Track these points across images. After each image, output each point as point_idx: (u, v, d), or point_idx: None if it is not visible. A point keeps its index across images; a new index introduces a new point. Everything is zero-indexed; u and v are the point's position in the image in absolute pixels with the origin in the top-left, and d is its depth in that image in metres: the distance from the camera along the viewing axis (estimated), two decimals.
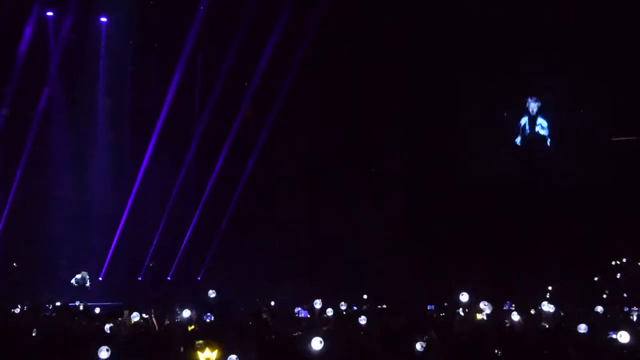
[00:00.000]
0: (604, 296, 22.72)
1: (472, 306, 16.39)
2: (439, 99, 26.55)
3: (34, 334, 12.56)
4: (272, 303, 19.24)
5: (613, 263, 26.25)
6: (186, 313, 15.03)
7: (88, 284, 23.56)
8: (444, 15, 25.82)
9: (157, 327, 14.42)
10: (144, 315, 15.01)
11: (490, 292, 19.60)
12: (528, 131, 27.74)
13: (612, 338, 12.43)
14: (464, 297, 16.30)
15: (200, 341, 10.81)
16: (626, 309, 18.25)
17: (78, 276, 23.51)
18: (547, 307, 17.21)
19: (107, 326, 12.73)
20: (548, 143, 27.67)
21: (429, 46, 26.19)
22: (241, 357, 10.36)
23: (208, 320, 14.95)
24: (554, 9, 25.26)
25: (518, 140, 27.86)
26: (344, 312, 16.71)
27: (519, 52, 26.21)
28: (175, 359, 11.40)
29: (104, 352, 10.66)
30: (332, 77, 26.09)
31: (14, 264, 25.57)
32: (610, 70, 25.29)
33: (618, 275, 25.07)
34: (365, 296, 21.57)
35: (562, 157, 27.34)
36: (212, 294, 18.81)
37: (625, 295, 23.21)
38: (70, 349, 11.01)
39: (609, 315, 16.44)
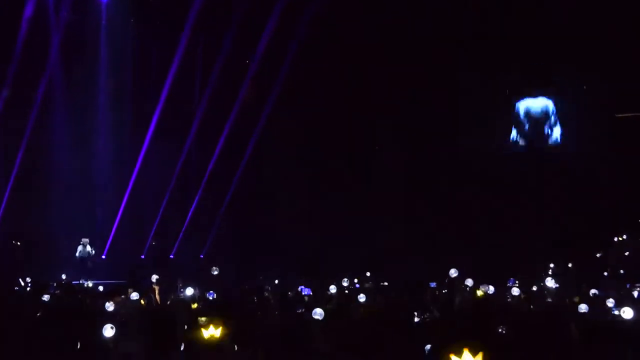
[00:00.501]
0: (605, 273, 22.71)
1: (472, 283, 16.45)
2: (440, 79, 26.53)
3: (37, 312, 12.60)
4: (276, 282, 19.30)
5: (615, 239, 26.26)
6: (189, 291, 15.06)
7: (90, 250, 23.61)
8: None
9: (158, 301, 14.46)
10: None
11: (493, 269, 19.74)
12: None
13: (615, 314, 12.46)
14: (454, 272, 16.37)
15: (204, 318, 10.80)
16: (628, 286, 18.26)
17: (80, 247, 23.57)
18: (550, 282, 17.28)
19: (109, 304, 12.73)
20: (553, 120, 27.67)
21: (432, 35, 26.07)
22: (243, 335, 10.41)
23: (210, 298, 14.98)
24: None
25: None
26: (346, 290, 16.75)
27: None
28: (179, 336, 11.41)
29: (108, 330, 10.69)
30: (332, 61, 26.07)
31: (17, 243, 25.63)
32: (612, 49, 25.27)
33: (626, 253, 25.06)
34: (368, 274, 21.60)
35: (563, 133, 27.34)
36: (214, 271, 18.85)
37: (622, 272, 23.24)
38: (74, 327, 11.02)
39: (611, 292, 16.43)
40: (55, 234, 24.88)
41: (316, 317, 11.02)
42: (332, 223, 26.27)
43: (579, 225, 25.09)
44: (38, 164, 25.38)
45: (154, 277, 15.59)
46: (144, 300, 14.53)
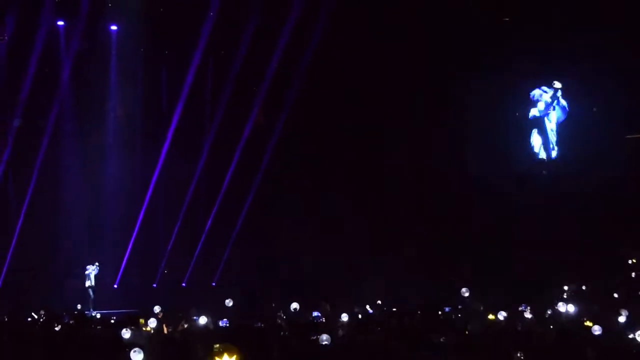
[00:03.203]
0: (615, 295, 22.57)
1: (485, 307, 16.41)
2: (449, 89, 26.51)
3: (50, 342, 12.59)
4: (292, 307, 19.10)
5: (630, 262, 26.14)
6: (203, 320, 15.05)
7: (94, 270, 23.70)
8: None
9: (165, 330, 14.45)
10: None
11: (505, 294, 19.66)
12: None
13: (631, 337, 12.39)
14: (465, 291, 16.31)
15: (217, 345, 10.79)
16: None
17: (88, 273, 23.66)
18: (563, 307, 17.19)
19: (124, 331, 12.73)
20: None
21: (437, 40, 26.09)
22: None
23: (222, 326, 14.96)
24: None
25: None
26: (359, 317, 16.67)
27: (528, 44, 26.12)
28: None
29: (136, 355, 10.73)
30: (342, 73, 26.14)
31: (28, 272, 25.68)
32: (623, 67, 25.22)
33: (633, 275, 24.94)
34: (379, 302, 21.50)
35: (574, 153, 27.26)
36: (229, 302, 18.54)
37: None
38: (89, 356, 11.04)
39: (626, 314, 16.31)
40: (67, 264, 24.94)
41: (323, 342, 10.98)
42: (346, 249, 26.20)
43: (591, 248, 24.98)
44: (49, 194, 25.49)
45: (157, 309, 15.55)
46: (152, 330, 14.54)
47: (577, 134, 27.11)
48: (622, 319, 15.15)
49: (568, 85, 27.03)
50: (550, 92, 27.29)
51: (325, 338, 11.06)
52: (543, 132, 27.68)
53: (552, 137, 27.66)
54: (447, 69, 25.99)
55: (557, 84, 27.09)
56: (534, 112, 27.53)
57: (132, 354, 10.73)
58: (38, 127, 25.30)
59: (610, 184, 25.74)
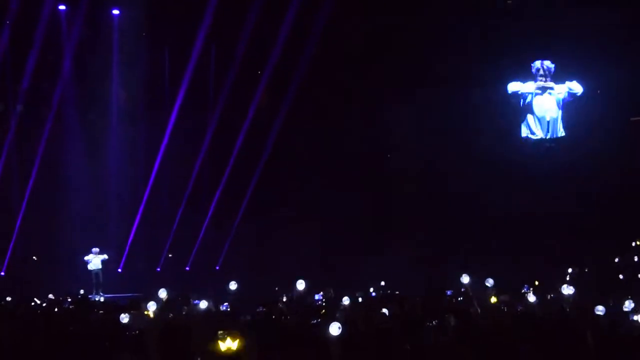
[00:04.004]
0: (621, 276, 22.54)
1: (487, 290, 16.37)
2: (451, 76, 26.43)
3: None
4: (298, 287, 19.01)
5: (633, 244, 26.09)
6: (203, 304, 15.03)
7: (102, 257, 23.74)
8: None
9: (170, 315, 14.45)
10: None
11: (508, 276, 19.63)
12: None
13: (632, 320, 12.35)
14: (465, 279, 16.23)
15: (222, 331, 10.81)
16: None
17: (91, 257, 23.67)
18: (567, 289, 17.12)
19: (124, 316, 12.72)
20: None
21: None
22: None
23: (223, 310, 14.97)
24: None
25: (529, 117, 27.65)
26: (360, 299, 16.66)
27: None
28: (195, 348, 11.41)
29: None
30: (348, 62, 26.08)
31: (34, 258, 25.79)
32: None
33: (635, 258, 24.88)
34: (382, 283, 21.51)
35: (577, 136, 27.19)
36: (233, 285, 18.40)
37: None
38: (87, 341, 11.05)
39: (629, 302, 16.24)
40: (71, 249, 25.00)
41: (332, 332, 10.84)
42: (349, 232, 26.20)
43: (595, 230, 24.93)
44: (52, 179, 25.53)
45: (163, 293, 15.53)
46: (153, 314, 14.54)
47: (581, 116, 27.05)
48: (627, 302, 15.07)
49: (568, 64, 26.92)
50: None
51: (333, 327, 10.84)
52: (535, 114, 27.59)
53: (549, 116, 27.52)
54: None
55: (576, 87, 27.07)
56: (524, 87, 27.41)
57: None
58: (40, 113, 25.31)
59: (614, 165, 25.73)
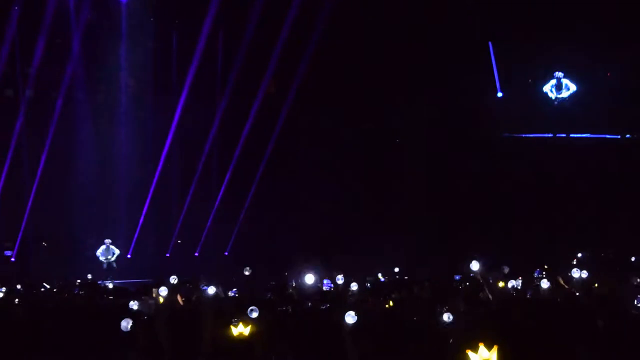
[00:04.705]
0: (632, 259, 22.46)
1: (495, 275, 16.33)
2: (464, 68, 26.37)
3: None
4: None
5: None
6: (211, 290, 15.04)
7: (114, 251, 23.75)
8: None
9: (181, 303, 14.46)
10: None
11: (518, 261, 19.60)
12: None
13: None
14: (475, 266, 16.16)
15: (235, 319, 10.88)
16: None
17: (103, 248, 23.70)
18: (577, 273, 17.07)
19: (133, 303, 12.75)
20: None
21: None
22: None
23: (231, 295, 14.98)
24: None
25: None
26: (369, 285, 16.64)
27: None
28: (204, 334, 11.45)
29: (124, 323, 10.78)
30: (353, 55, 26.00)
31: (44, 244, 25.88)
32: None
33: None
34: (396, 269, 21.48)
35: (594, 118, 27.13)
36: (247, 271, 18.23)
37: None
38: (96, 325, 11.10)
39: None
40: (80, 234, 25.09)
41: (348, 320, 10.80)
42: (356, 218, 26.20)
43: (604, 213, 24.90)
44: (62, 165, 25.59)
45: (173, 278, 15.52)
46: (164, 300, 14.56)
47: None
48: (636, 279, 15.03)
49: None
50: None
51: (349, 317, 10.80)
52: None
53: None
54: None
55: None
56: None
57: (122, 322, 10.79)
58: (50, 98, 25.34)
59: (626, 150, 25.68)
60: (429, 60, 26.21)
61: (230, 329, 10.82)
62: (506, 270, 17.02)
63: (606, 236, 24.48)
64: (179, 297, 14.69)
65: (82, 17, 25.00)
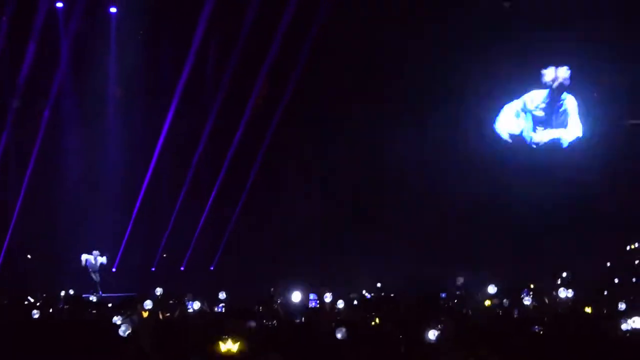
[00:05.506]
0: (616, 280, 22.53)
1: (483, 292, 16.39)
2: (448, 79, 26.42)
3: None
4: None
5: (628, 248, 26.09)
6: (196, 305, 15.01)
7: (101, 260, 23.60)
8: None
9: (161, 316, 14.42)
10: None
11: (506, 280, 19.63)
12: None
13: (625, 323, 12.33)
14: (461, 280, 16.20)
15: (225, 336, 10.82)
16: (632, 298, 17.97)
17: (89, 257, 23.55)
18: (564, 292, 17.15)
19: (116, 318, 12.68)
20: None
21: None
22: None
23: (218, 311, 14.95)
24: None
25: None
26: (355, 302, 16.62)
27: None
28: (191, 349, 11.39)
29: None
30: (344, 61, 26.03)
31: (29, 256, 25.73)
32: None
33: (636, 262, 24.90)
34: (379, 284, 21.48)
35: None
36: (221, 294, 17.39)
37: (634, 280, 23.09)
38: (81, 340, 11.02)
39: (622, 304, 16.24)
40: (66, 247, 24.96)
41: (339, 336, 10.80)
42: (344, 233, 26.17)
43: (592, 234, 24.95)
44: (48, 177, 25.48)
45: (159, 291, 15.46)
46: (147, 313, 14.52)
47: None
48: (621, 305, 15.08)
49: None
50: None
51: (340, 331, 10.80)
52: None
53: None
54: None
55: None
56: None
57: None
58: (37, 109, 25.27)
59: (611, 169, 25.75)
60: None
61: (218, 345, 10.75)
62: (491, 288, 17.07)
63: (589, 257, 24.53)
64: (160, 314, 14.66)
65: (71, 29, 24.96)
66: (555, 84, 26.84)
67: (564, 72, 26.77)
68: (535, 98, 27.18)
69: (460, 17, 25.46)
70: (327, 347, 10.73)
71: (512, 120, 27.43)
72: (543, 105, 27.17)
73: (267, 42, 25.28)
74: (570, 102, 27.07)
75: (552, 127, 27.24)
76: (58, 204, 25.74)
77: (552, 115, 27.22)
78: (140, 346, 11.15)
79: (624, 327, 12.00)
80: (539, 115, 27.26)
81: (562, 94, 26.95)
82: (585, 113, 26.95)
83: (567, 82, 26.79)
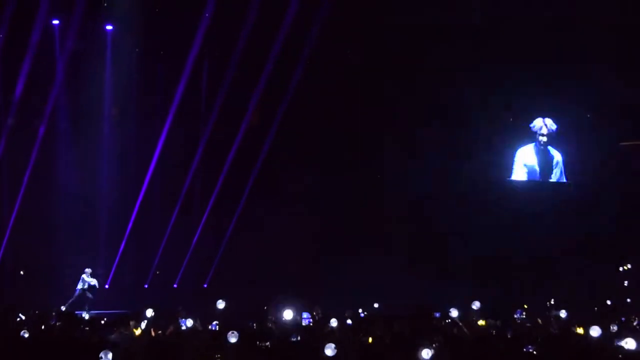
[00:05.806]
0: (608, 302, 22.58)
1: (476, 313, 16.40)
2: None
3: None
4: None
5: (620, 269, 26.17)
6: (189, 322, 14.95)
7: (91, 282, 23.49)
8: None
9: (153, 334, 14.37)
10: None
11: (499, 302, 19.68)
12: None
13: (618, 345, 12.35)
14: (454, 313, 16.17)
15: (219, 355, 10.83)
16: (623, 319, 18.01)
17: (83, 277, 23.48)
18: (557, 313, 17.19)
19: (111, 337, 12.65)
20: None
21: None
22: None
23: (212, 329, 14.89)
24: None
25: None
26: (349, 321, 16.61)
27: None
28: None
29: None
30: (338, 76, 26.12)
31: (21, 272, 25.66)
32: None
33: (625, 283, 25.00)
34: (376, 305, 21.44)
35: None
36: (220, 304, 18.19)
37: (629, 300, 23.17)
38: (73, 358, 10.97)
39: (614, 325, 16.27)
40: (59, 264, 24.91)
41: (327, 353, 10.82)
42: (337, 251, 26.16)
43: (584, 255, 25.02)
44: (41, 194, 25.43)
45: (150, 312, 15.37)
46: (137, 330, 14.46)
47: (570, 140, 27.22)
48: (613, 327, 15.11)
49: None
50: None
51: (328, 349, 10.82)
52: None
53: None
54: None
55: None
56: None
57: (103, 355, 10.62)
58: (32, 127, 25.24)
59: (602, 191, 25.86)
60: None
61: None
62: (476, 305, 17.06)
63: (582, 278, 24.61)
64: (152, 331, 14.61)
65: (67, 46, 24.99)
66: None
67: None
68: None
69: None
70: None
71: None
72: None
73: (262, 58, 25.36)
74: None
75: None
76: (51, 221, 25.66)
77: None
78: None
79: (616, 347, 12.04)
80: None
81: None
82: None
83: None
